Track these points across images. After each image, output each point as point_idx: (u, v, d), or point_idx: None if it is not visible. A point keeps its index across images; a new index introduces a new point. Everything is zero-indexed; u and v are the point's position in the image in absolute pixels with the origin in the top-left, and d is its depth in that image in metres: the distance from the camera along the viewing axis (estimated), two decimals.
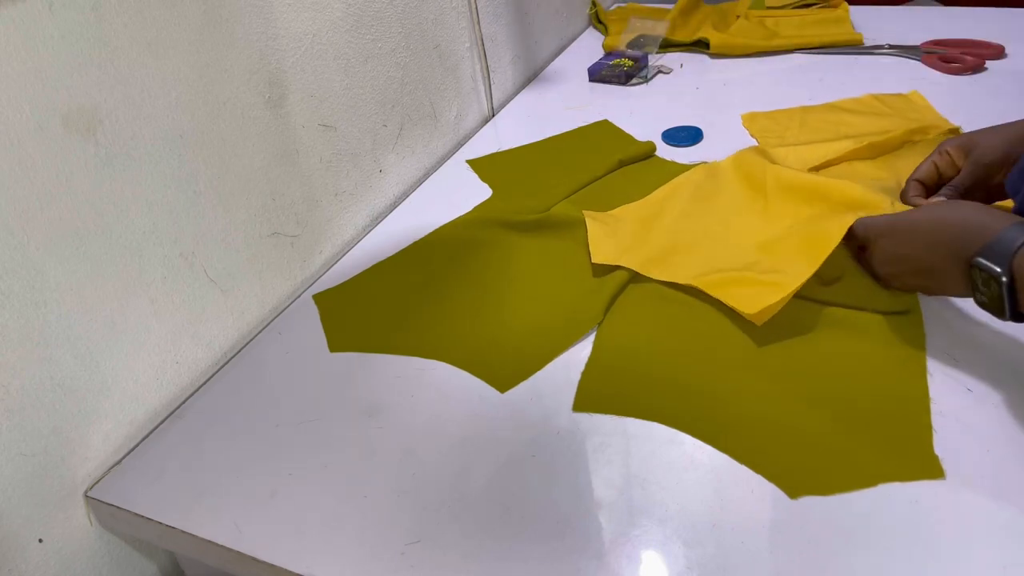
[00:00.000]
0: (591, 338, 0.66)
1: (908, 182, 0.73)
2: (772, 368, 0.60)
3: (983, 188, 0.68)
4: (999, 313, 0.52)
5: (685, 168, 0.87)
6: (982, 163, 0.67)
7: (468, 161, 0.97)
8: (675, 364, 0.62)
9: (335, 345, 0.69)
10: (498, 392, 0.62)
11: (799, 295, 0.64)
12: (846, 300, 0.64)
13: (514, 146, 0.99)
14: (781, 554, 0.47)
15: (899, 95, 0.96)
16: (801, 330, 0.62)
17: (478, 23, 1.03)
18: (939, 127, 0.86)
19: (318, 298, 0.76)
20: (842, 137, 0.87)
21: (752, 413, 0.56)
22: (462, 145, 1.03)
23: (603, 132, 0.99)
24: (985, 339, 0.60)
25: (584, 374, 0.62)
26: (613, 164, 0.90)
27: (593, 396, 0.60)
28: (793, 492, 0.50)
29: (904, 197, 0.71)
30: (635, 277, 0.71)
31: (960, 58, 1.02)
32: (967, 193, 0.68)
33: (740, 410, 0.57)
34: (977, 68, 1.01)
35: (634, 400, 0.59)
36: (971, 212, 0.56)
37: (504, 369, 0.63)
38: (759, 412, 0.56)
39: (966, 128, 0.86)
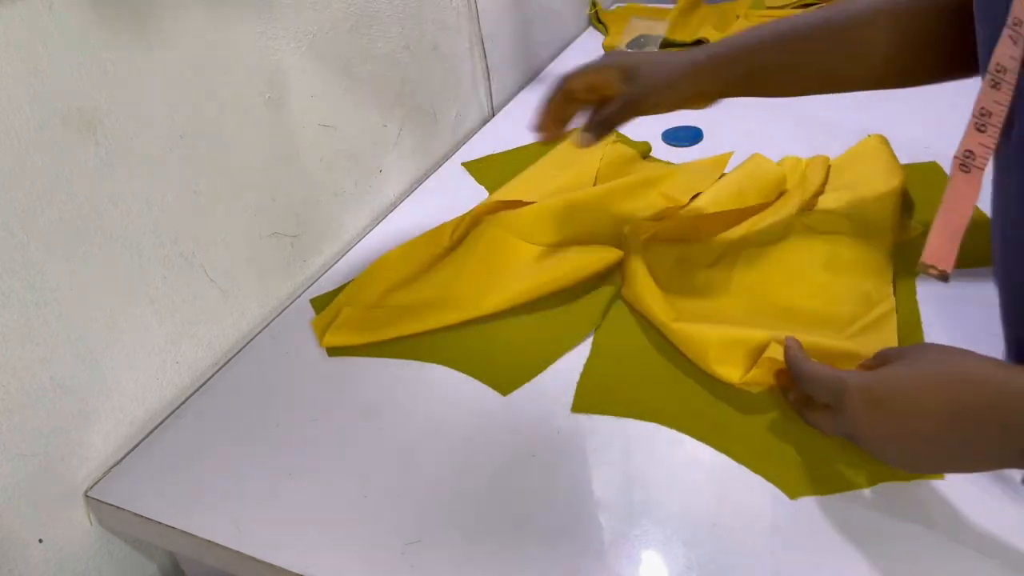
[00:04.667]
0: (590, 339, 0.66)
1: (558, 84, 0.64)
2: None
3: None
4: None
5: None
6: (634, 108, 0.62)
7: (464, 164, 0.97)
8: (673, 364, 0.61)
9: (333, 350, 0.69)
10: (498, 392, 0.62)
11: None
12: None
13: (514, 146, 0.99)
14: (781, 554, 0.47)
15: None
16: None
17: (478, 23, 1.03)
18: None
19: (315, 302, 0.76)
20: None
21: (751, 413, 0.56)
22: (462, 145, 1.03)
23: None
24: (985, 339, 0.59)
25: (583, 375, 0.62)
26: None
27: (592, 397, 0.60)
28: (792, 492, 0.50)
29: (545, 99, 0.64)
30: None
31: None
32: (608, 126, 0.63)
33: (739, 410, 0.57)
34: None
35: (633, 401, 0.59)
36: (994, 370, 0.43)
37: (506, 372, 0.63)
38: (758, 412, 0.56)
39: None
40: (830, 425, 0.51)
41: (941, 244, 0.47)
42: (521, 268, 0.73)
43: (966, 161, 0.45)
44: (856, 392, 0.46)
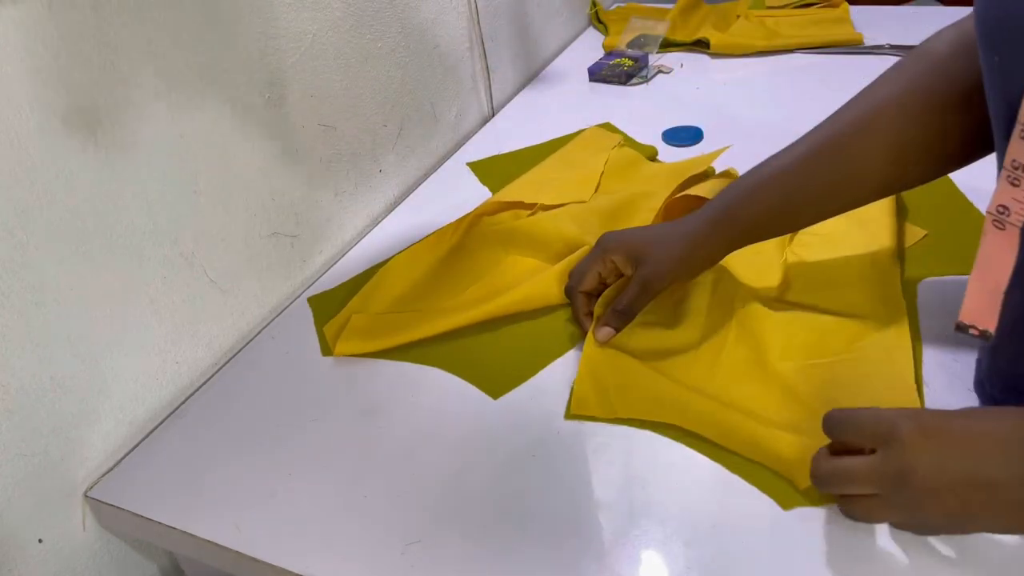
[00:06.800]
0: (583, 344, 0.65)
1: (574, 294, 0.66)
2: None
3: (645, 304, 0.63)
4: None
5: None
6: (652, 289, 0.62)
7: (468, 164, 0.97)
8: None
9: (329, 349, 0.69)
10: (489, 396, 0.61)
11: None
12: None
13: (513, 145, 0.99)
14: (781, 554, 0.47)
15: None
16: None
17: (478, 23, 1.03)
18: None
19: (313, 301, 0.75)
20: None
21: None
22: (462, 145, 1.03)
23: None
24: None
25: (575, 383, 0.61)
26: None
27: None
28: (786, 503, 0.50)
29: (576, 315, 0.65)
30: None
31: None
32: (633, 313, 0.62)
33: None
34: None
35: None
36: None
37: (497, 376, 0.63)
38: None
39: None
40: (878, 504, 0.44)
41: (979, 303, 0.44)
42: (526, 280, 0.72)
43: (1000, 217, 0.42)
44: (906, 421, 0.42)
